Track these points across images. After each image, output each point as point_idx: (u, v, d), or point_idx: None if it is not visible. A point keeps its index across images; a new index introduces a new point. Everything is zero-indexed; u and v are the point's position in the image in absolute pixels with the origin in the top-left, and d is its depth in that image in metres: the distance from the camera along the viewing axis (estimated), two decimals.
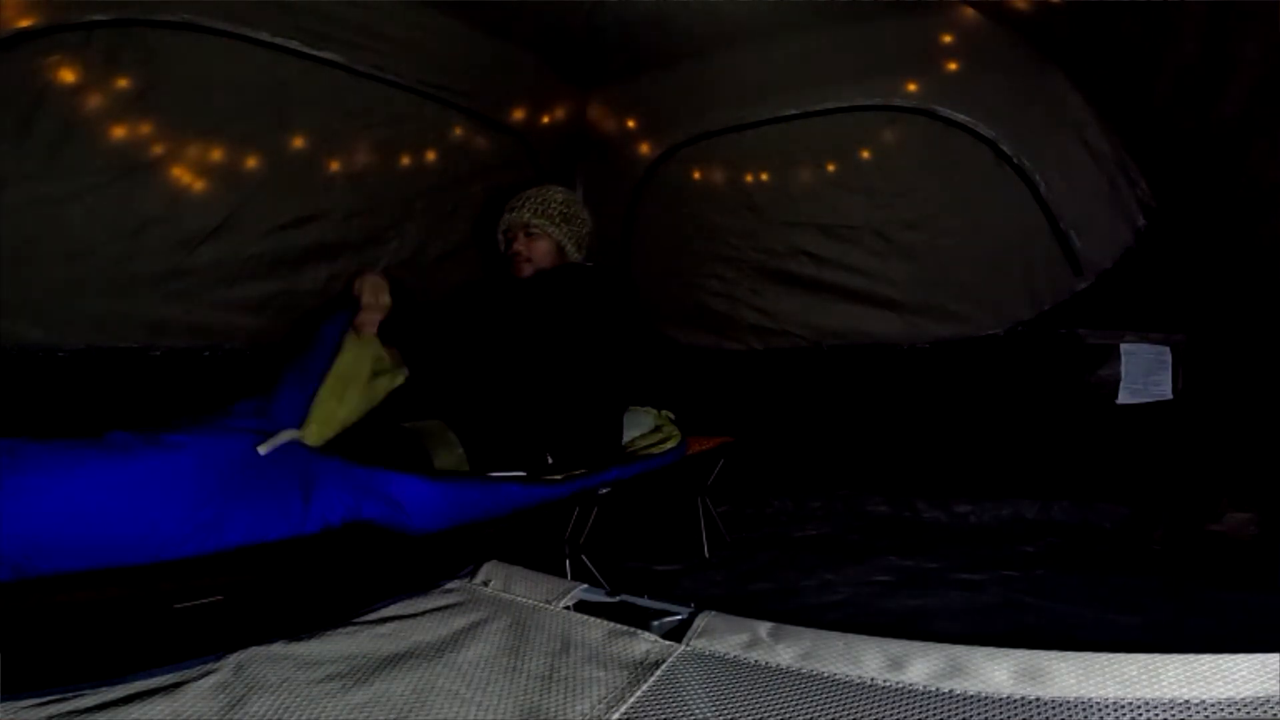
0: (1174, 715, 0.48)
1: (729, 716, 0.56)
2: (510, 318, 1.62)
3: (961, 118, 2.10)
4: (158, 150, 1.56)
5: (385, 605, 0.80)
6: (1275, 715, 0.46)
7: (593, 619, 0.74)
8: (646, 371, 2.05)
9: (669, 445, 1.74)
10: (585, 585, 0.82)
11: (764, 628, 0.68)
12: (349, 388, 1.23)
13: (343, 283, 1.93)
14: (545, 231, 1.82)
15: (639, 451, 1.71)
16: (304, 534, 0.93)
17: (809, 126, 2.32)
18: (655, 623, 0.73)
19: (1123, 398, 2.02)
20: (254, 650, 0.66)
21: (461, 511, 1.12)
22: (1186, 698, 0.49)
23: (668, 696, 0.59)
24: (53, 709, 0.56)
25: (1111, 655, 0.54)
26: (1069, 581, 1.66)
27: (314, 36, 1.73)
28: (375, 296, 1.40)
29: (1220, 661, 0.50)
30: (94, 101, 1.45)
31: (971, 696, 0.54)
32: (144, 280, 1.57)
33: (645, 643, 0.69)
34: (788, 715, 0.55)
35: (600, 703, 0.59)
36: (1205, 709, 0.48)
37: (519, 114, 2.39)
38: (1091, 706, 0.51)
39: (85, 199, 1.45)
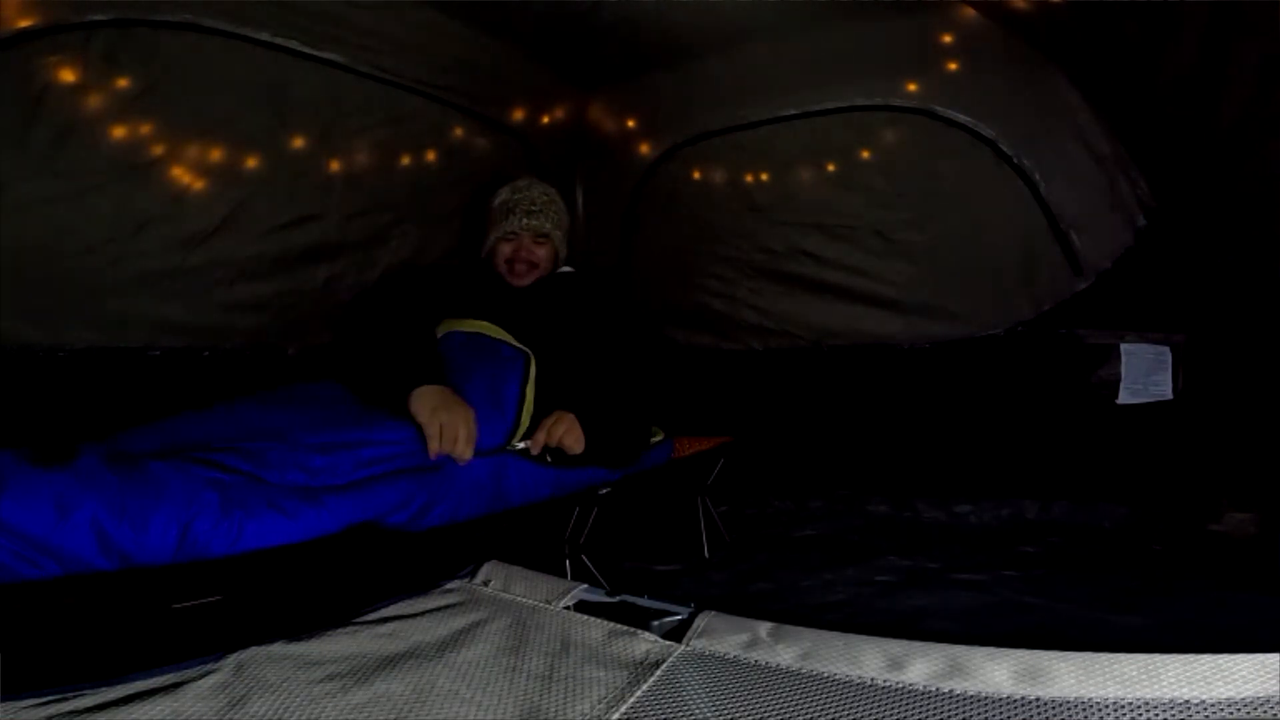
0: (1174, 715, 0.48)
1: (729, 716, 0.56)
2: (557, 328, 1.59)
3: (961, 118, 2.10)
4: (158, 150, 1.56)
5: (385, 605, 0.80)
6: (1275, 715, 0.46)
7: (593, 619, 0.74)
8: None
9: (657, 440, 1.74)
10: (585, 585, 0.82)
11: (764, 628, 0.68)
12: None
13: (343, 286, 1.95)
14: (553, 238, 1.77)
15: None
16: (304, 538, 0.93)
17: (809, 126, 2.32)
18: (655, 623, 0.73)
19: (1123, 398, 2.02)
20: (254, 650, 0.66)
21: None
22: (1186, 698, 0.49)
23: (668, 696, 0.59)
24: (53, 709, 0.56)
25: (1111, 655, 0.54)
26: (1069, 581, 1.66)
27: (314, 36, 1.73)
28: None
29: (1220, 661, 0.50)
30: (94, 101, 1.45)
31: (971, 696, 0.54)
32: (144, 280, 1.57)
33: (645, 643, 0.69)
34: (788, 715, 0.55)
35: (600, 703, 0.59)
36: (1205, 709, 0.48)
37: (519, 114, 2.39)
38: (1091, 706, 0.51)
39: (85, 199, 1.45)
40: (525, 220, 1.73)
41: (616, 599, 0.79)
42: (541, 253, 1.74)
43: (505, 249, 1.73)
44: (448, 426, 1.21)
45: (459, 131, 2.21)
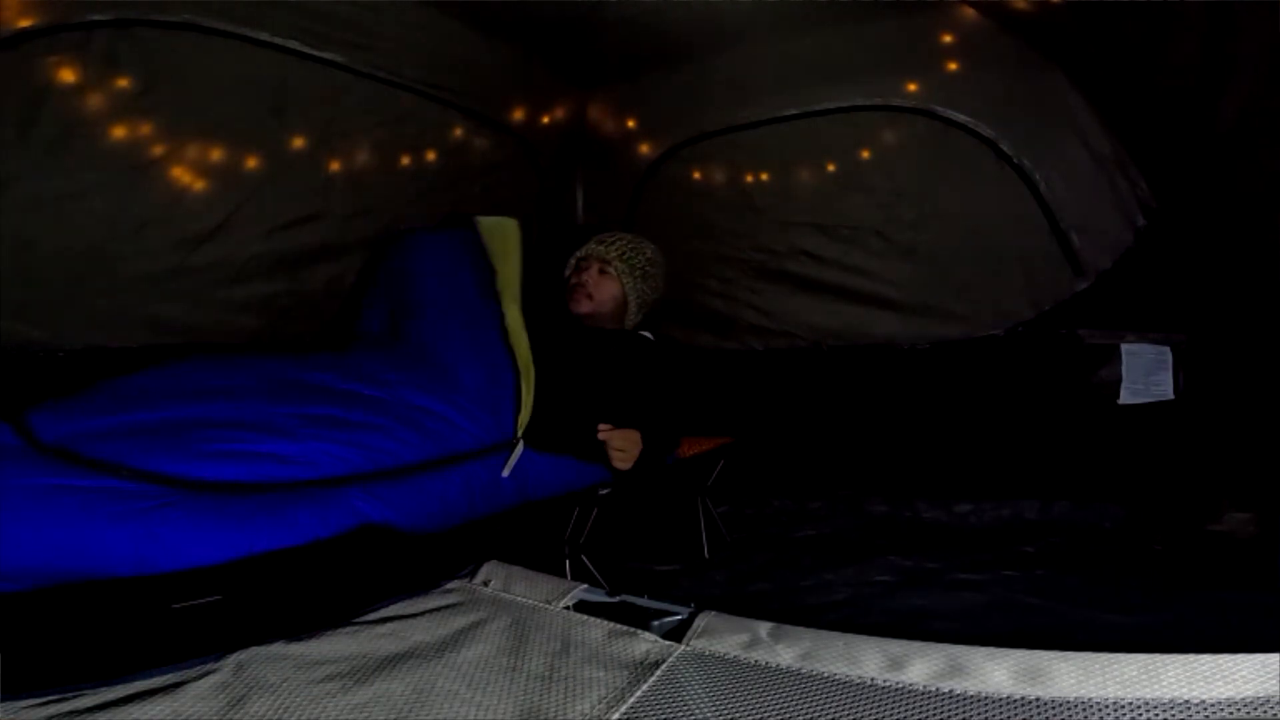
0: (1174, 715, 0.48)
1: (729, 716, 0.56)
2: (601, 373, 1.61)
3: (961, 118, 2.10)
4: (158, 150, 1.56)
5: (385, 605, 0.80)
6: (1275, 715, 0.46)
7: (593, 619, 0.74)
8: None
9: None
10: (585, 585, 0.82)
11: (764, 628, 0.68)
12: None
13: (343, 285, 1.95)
14: (618, 276, 1.77)
15: None
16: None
17: (809, 126, 2.32)
18: (655, 623, 0.73)
19: (1123, 398, 2.02)
20: (254, 650, 0.66)
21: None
22: (1186, 698, 0.49)
23: (668, 696, 0.59)
24: (53, 709, 0.56)
25: (1111, 655, 0.54)
26: (1069, 581, 1.66)
27: (314, 36, 1.73)
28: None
29: (1220, 661, 0.50)
30: (94, 101, 1.44)
31: (971, 696, 0.54)
32: (144, 280, 1.57)
33: (645, 643, 0.69)
34: (788, 715, 0.55)
35: (600, 703, 0.59)
36: (1205, 709, 0.48)
37: (519, 114, 2.39)
38: (1091, 706, 0.51)
39: (85, 199, 1.45)
40: (594, 246, 1.78)
41: (616, 599, 0.79)
42: (603, 286, 1.75)
43: (571, 274, 1.80)
44: None
45: (459, 131, 2.21)
